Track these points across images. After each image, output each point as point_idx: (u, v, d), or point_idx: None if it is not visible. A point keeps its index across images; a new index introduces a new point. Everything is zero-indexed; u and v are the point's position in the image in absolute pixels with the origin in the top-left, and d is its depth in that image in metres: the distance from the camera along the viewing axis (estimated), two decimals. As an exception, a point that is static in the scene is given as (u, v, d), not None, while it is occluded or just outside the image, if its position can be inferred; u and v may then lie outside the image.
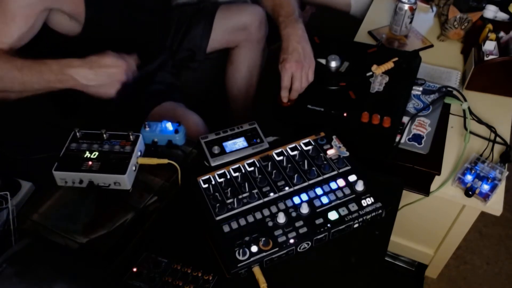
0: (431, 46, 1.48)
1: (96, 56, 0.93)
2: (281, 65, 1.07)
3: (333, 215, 0.82)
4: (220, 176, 0.88)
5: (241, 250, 0.76)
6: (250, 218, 0.81)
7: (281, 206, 0.83)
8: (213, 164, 0.91)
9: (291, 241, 0.78)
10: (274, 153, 0.92)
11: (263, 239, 0.78)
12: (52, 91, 0.95)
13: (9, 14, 0.93)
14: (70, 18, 1.03)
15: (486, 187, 1.07)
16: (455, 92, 1.17)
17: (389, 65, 1.09)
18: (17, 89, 0.95)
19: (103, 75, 0.93)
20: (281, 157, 0.91)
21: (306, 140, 0.95)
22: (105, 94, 0.96)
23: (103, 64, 0.93)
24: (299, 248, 0.79)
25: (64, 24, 1.04)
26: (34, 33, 0.99)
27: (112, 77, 0.94)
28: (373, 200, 0.84)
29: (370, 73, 1.08)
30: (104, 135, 0.93)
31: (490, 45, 1.30)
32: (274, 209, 0.83)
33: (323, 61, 1.13)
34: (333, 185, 0.87)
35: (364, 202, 0.84)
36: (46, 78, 0.92)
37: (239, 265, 0.75)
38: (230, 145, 0.95)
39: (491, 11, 1.48)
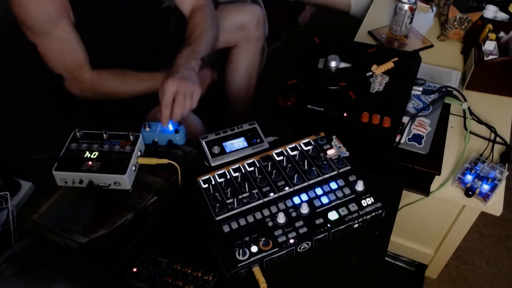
0: (431, 46, 1.48)
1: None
2: (163, 82, 0.97)
3: (333, 215, 0.82)
4: (220, 176, 0.88)
5: (241, 250, 0.76)
6: (250, 218, 0.81)
7: (281, 206, 0.83)
8: (213, 164, 0.91)
9: (291, 241, 0.78)
10: (274, 153, 0.92)
11: (263, 239, 0.78)
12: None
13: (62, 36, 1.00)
14: None
15: (486, 187, 1.07)
16: (455, 92, 1.17)
17: (389, 65, 1.09)
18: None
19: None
20: (281, 157, 0.91)
21: (306, 140, 0.95)
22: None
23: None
24: (299, 248, 0.79)
25: None
26: None
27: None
28: (373, 200, 0.84)
29: (370, 73, 1.08)
30: (104, 135, 0.93)
31: (490, 45, 1.30)
32: (274, 209, 0.83)
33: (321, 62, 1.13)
34: (333, 185, 0.87)
35: (364, 202, 0.84)
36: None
37: (239, 265, 0.75)
38: (230, 145, 0.95)
39: (491, 11, 1.48)
